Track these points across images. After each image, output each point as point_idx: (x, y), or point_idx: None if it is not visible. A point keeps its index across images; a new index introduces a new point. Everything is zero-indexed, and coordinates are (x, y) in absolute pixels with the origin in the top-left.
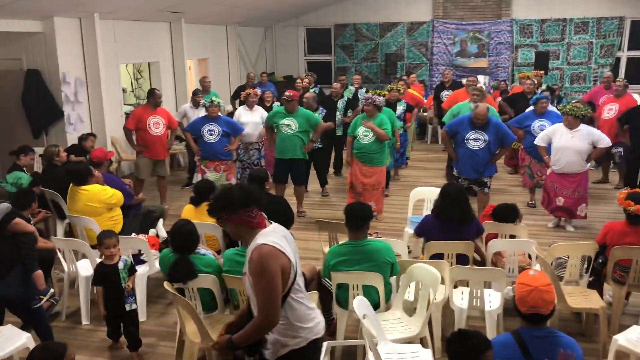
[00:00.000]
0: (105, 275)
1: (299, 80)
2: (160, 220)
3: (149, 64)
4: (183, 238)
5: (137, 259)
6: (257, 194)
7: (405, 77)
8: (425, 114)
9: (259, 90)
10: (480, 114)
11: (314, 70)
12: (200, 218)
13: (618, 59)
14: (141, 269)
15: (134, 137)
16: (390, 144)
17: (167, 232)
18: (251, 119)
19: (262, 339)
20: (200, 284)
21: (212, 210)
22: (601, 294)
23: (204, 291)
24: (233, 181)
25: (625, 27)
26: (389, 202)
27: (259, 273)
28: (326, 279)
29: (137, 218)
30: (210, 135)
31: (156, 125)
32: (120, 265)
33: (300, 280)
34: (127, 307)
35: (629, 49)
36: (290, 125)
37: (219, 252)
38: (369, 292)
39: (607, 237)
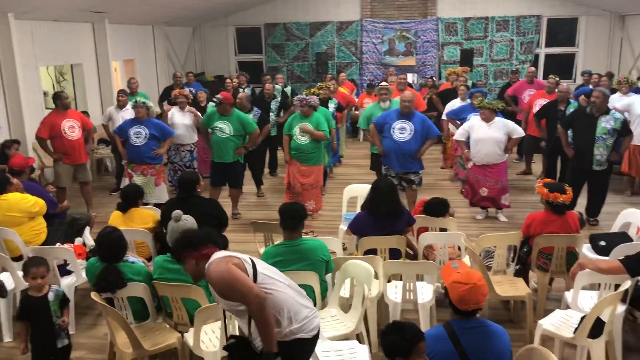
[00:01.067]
0: (32, 309)
1: (228, 80)
2: (87, 228)
3: (71, 66)
4: (110, 246)
5: (63, 269)
6: (210, 234)
7: (333, 75)
8: (357, 112)
9: (187, 91)
10: (405, 97)
11: (245, 69)
12: (129, 225)
13: (537, 56)
14: (68, 280)
15: (49, 145)
16: (327, 143)
17: (94, 240)
18: (183, 120)
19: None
20: (130, 293)
21: (175, 254)
22: (527, 281)
23: (135, 300)
24: (162, 186)
25: (542, 25)
26: (324, 200)
27: (221, 283)
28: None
29: (62, 227)
30: (137, 138)
31: (71, 129)
32: (50, 296)
33: (271, 272)
34: (59, 344)
35: (547, 45)
36: (223, 128)
37: (149, 260)
38: (305, 291)
39: (531, 228)
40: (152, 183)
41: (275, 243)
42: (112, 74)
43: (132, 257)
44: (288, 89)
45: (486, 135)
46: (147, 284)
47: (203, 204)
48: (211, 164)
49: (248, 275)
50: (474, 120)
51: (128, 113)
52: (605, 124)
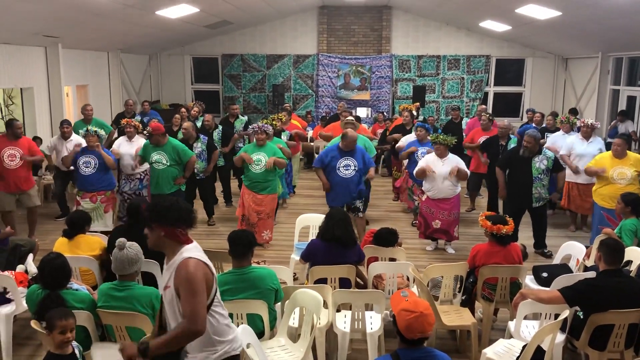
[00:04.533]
0: None
1: (183, 110)
2: (30, 255)
3: (21, 89)
4: (53, 273)
5: (2, 297)
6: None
7: (288, 107)
8: (312, 143)
9: (136, 121)
10: (350, 137)
11: (201, 99)
12: (75, 252)
13: (486, 94)
14: (7, 309)
15: None
16: (281, 173)
17: (37, 267)
18: (130, 150)
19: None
20: None
21: (154, 216)
22: (473, 311)
23: (78, 328)
24: (110, 213)
25: (491, 65)
26: (277, 229)
27: (185, 282)
28: None
29: (3, 254)
30: (86, 167)
31: (11, 158)
32: (77, 352)
33: (218, 302)
34: None
35: (495, 84)
36: (160, 159)
37: (95, 288)
38: (253, 320)
39: (476, 259)
40: (102, 210)
41: (224, 271)
42: (64, 99)
43: (76, 285)
44: (245, 118)
45: (441, 171)
46: (91, 312)
47: None
48: (151, 196)
49: (210, 294)
50: (430, 157)
51: (72, 144)
52: (539, 164)
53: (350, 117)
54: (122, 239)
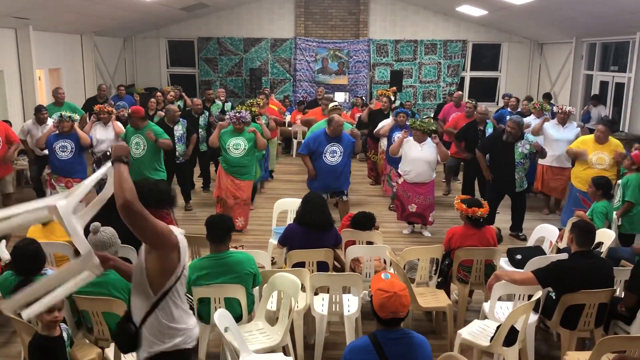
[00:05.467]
0: (50, 352)
1: (159, 94)
2: (3, 241)
3: None
4: (27, 259)
5: None
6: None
7: (266, 90)
8: (290, 128)
9: (110, 106)
10: (339, 123)
11: (177, 83)
12: (49, 237)
13: (463, 78)
14: None
15: None
16: (259, 158)
17: (10, 254)
18: (106, 135)
19: (137, 338)
20: None
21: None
22: (448, 293)
23: None
24: (84, 204)
25: (468, 49)
26: (255, 214)
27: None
28: (187, 295)
29: None
30: (63, 152)
31: None
32: (65, 335)
33: (180, 288)
34: None
35: (472, 69)
36: (139, 143)
37: None
38: (231, 304)
39: (451, 241)
40: None
41: (202, 256)
42: (36, 83)
43: (51, 271)
44: (228, 105)
45: (418, 155)
46: (67, 298)
47: None
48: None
49: (170, 276)
50: (409, 140)
51: (48, 128)
52: (521, 148)
53: (334, 102)
54: (96, 223)
